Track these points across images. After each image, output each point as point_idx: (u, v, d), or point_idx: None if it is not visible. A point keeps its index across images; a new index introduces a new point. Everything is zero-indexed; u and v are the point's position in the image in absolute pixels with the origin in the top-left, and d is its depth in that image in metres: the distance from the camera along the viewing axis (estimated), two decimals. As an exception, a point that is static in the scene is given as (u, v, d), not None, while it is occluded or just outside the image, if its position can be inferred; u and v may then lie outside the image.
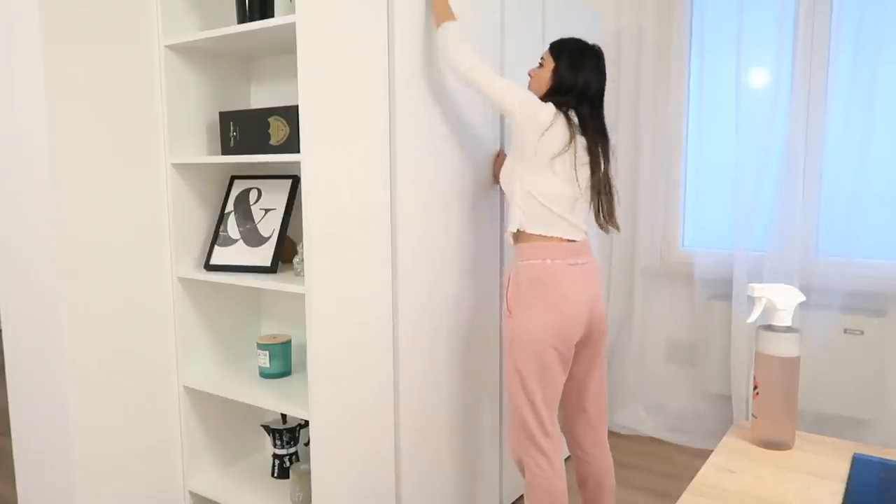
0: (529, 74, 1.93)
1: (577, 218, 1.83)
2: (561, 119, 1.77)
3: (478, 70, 1.77)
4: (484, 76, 1.77)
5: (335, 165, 1.64)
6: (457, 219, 2.04)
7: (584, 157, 1.80)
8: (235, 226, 1.95)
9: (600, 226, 1.88)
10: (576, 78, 1.81)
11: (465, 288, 2.10)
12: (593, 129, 1.82)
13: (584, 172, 1.81)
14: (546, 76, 1.85)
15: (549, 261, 1.78)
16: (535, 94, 1.85)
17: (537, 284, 1.77)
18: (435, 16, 1.84)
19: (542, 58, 1.89)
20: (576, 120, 1.81)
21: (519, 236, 1.84)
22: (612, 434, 3.21)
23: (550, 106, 1.77)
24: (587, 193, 1.83)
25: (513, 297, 1.81)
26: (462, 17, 1.96)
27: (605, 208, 1.86)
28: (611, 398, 3.33)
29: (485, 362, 2.23)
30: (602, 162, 1.83)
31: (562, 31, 2.46)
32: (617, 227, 1.89)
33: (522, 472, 1.86)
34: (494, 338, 2.28)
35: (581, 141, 1.81)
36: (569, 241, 1.81)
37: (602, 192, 1.85)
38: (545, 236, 1.80)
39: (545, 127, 1.74)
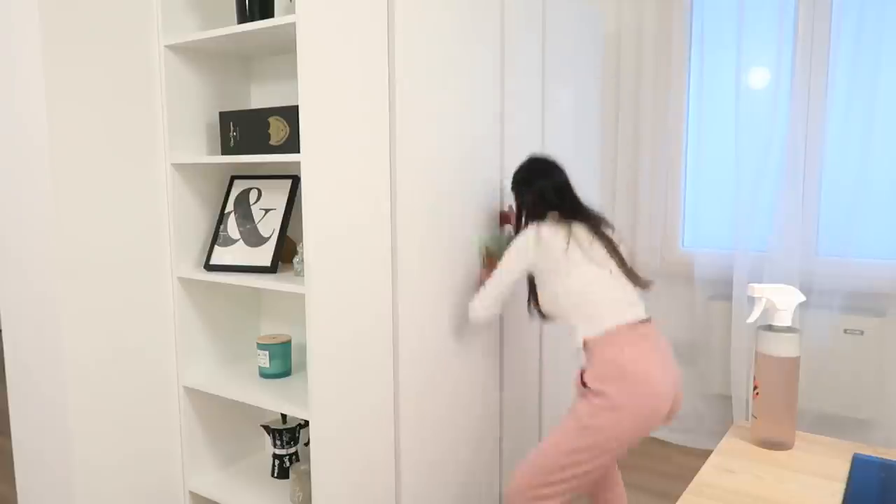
0: (509, 221, 2.16)
1: (627, 293, 1.80)
2: (544, 225, 1.85)
3: (488, 297, 1.90)
4: (495, 286, 1.89)
5: (335, 165, 1.64)
6: (458, 218, 2.04)
7: (587, 237, 1.84)
8: (235, 226, 1.95)
9: (639, 285, 1.86)
10: (534, 193, 1.94)
11: (465, 287, 2.10)
12: (571, 211, 1.90)
13: (598, 249, 1.82)
14: (517, 210, 2.01)
15: (626, 349, 1.69)
16: (515, 230, 2.01)
17: (620, 380, 1.66)
18: None
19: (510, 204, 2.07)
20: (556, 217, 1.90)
21: (588, 341, 1.77)
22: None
23: (530, 229, 1.87)
24: (613, 266, 1.83)
25: (594, 379, 1.70)
26: (462, 17, 1.96)
27: (624, 268, 1.85)
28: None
29: (485, 363, 2.23)
30: (598, 232, 1.87)
31: (562, 31, 2.46)
32: (644, 285, 1.87)
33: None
34: (494, 338, 2.28)
35: (576, 226, 1.85)
36: (635, 322, 1.75)
37: (612, 256, 1.84)
38: (611, 328, 1.73)
39: (541, 239, 1.83)
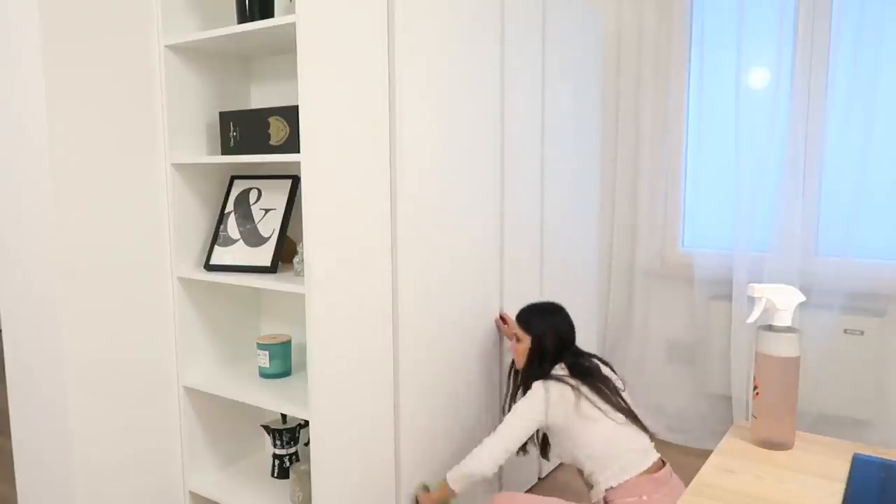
0: (511, 350, 2.06)
1: (640, 440, 1.84)
2: (552, 385, 1.85)
3: (498, 446, 1.83)
4: (506, 441, 1.84)
5: (335, 165, 1.64)
6: (458, 217, 2.04)
7: (593, 396, 1.85)
8: (235, 226, 1.95)
9: (646, 431, 1.90)
10: (554, 340, 1.95)
11: (466, 287, 2.10)
12: (580, 371, 1.91)
13: (606, 402, 1.85)
14: (525, 348, 1.98)
15: (645, 497, 1.76)
16: (519, 365, 2.01)
17: None
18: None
19: (515, 334, 2.02)
20: (565, 371, 1.91)
21: (609, 492, 1.81)
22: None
23: (538, 389, 1.86)
24: (622, 416, 1.85)
25: None
26: (462, 17, 1.96)
27: (631, 416, 1.88)
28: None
29: (485, 362, 2.23)
30: (605, 383, 1.89)
31: (562, 31, 2.46)
32: (651, 433, 1.91)
33: None
34: (495, 337, 2.28)
35: (582, 380, 1.87)
36: (651, 468, 1.80)
37: (620, 406, 1.87)
38: (630, 479, 1.78)
39: (550, 401, 1.83)
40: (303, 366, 2.06)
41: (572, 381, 1.86)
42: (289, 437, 2.04)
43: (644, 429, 1.88)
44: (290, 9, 1.90)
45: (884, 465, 1.08)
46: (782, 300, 1.16)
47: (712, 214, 3.08)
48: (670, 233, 3.15)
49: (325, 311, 1.65)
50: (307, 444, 2.13)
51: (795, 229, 2.79)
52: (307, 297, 1.62)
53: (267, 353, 1.93)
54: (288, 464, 2.05)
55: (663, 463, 1.85)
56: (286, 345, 1.96)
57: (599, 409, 1.83)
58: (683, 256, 3.13)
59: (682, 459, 2.91)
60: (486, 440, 1.86)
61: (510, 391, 2.13)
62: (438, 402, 2.02)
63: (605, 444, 1.81)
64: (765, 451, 1.16)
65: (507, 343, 2.29)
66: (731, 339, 2.96)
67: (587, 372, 1.91)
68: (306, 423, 2.08)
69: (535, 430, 1.86)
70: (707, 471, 1.08)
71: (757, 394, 1.17)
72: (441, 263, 1.99)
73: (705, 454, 2.98)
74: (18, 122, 1.70)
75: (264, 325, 2.22)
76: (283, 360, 1.95)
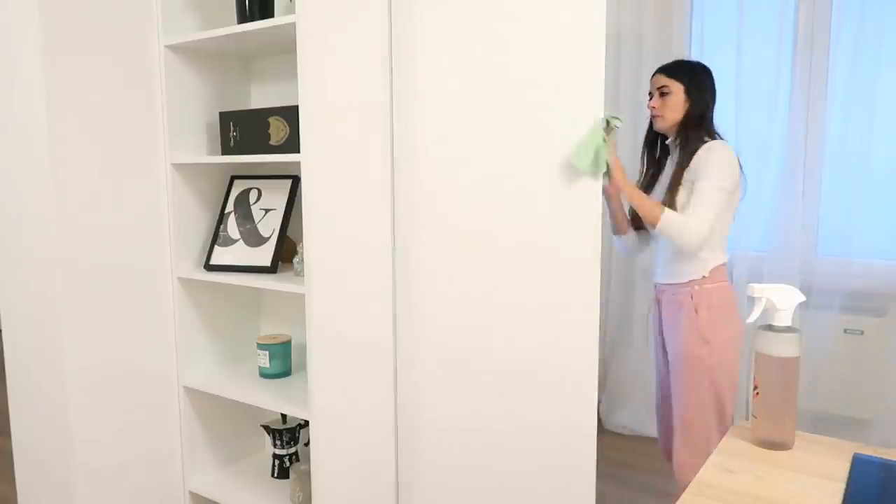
0: (653, 107, 1.98)
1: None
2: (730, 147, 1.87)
3: (712, 218, 1.80)
4: (713, 207, 1.81)
5: (335, 165, 1.64)
6: (459, 217, 2.04)
7: None
8: (235, 226, 1.95)
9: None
10: (711, 95, 1.92)
11: (466, 287, 2.10)
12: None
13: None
14: (678, 101, 1.92)
15: (727, 283, 1.89)
16: (669, 123, 1.94)
17: (728, 306, 1.88)
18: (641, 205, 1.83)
19: (658, 87, 1.97)
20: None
21: (712, 270, 1.91)
22: (612, 434, 3.21)
23: (724, 148, 1.84)
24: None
25: (708, 324, 1.85)
26: (462, 16, 1.96)
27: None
28: (611, 398, 3.33)
29: (488, 362, 2.23)
30: None
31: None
32: None
33: None
34: (495, 337, 2.27)
35: None
36: (726, 264, 1.93)
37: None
38: (724, 263, 1.91)
39: (737, 161, 1.87)
40: (303, 366, 2.06)
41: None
42: (289, 437, 2.04)
43: None
44: (290, 9, 1.90)
45: (884, 465, 1.08)
46: (782, 300, 1.16)
47: (712, 214, 3.08)
48: (670, 233, 3.15)
49: (325, 311, 1.65)
50: (307, 444, 2.13)
51: (795, 229, 2.79)
52: (307, 297, 1.62)
53: (267, 353, 1.93)
54: (288, 464, 2.05)
55: None
56: (286, 345, 1.96)
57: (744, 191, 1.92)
58: (683, 256, 3.13)
59: (682, 459, 2.91)
60: (695, 210, 1.78)
61: (645, 169, 2.07)
62: (439, 401, 2.02)
63: (726, 230, 1.90)
64: (765, 451, 1.16)
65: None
66: (731, 339, 2.96)
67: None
68: (306, 423, 2.08)
69: (725, 196, 1.83)
70: (707, 471, 1.08)
71: (757, 394, 1.17)
72: (442, 262, 1.99)
73: (705, 454, 2.97)
74: (18, 122, 1.70)
75: (264, 325, 2.22)
76: (283, 360, 1.95)
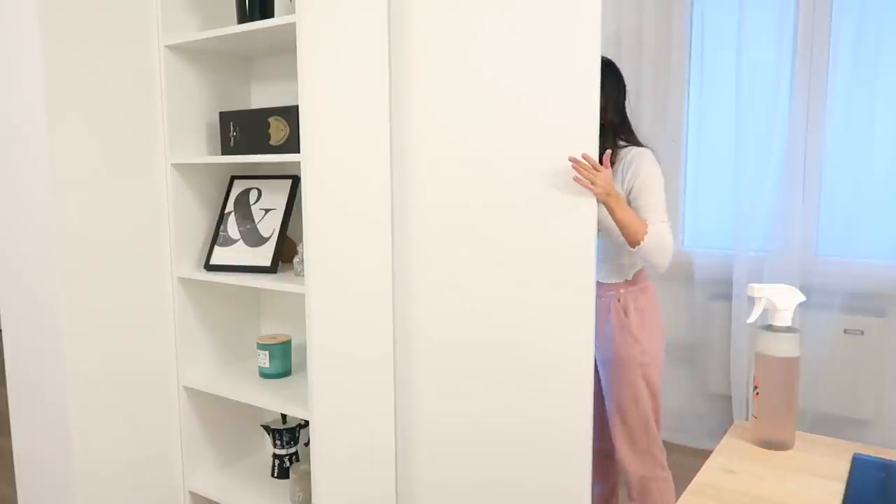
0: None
1: None
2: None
3: (668, 233, 1.78)
4: (662, 212, 1.80)
5: (335, 165, 1.64)
6: (458, 216, 2.04)
7: None
8: (235, 226, 1.95)
9: None
10: (604, 102, 1.86)
11: (466, 286, 2.10)
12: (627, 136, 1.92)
13: None
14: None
15: (651, 283, 1.94)
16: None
17: (652, 304, 1.92)
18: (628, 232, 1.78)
19: None
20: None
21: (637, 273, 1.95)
22: (612, 434, 3.20)
23: (648, 155, 1.83)
24: None
25: (638, 325, 1.90)
26: (462, 16, 1.95)
27: None
28: (611, 398, 3.33)
29: (489, 361, 2.23)
30: None
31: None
32: None
33: (643, 495, 1.94)
34: (495, 337, 2.27)
35: None
36: None
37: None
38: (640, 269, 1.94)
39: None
40: (303, 366, 2.06)
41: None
42: (289, 437, 2.04)
43: None
44: (290, 9, 1.90)
45: (884, 465, 1.08)
46: (782, 300, 1.16)
47: (712, 214, 3.08)
48: (670, 233, 3.15)
49: (325, 311, 1.65)
50: (307, 444, 2.13)
51: (795, 229, 2.79)
52: (307, 297, 1.62)
53: (267, 353, 1.93)
54: (288, 464, 2.05)
55: None
56: (286, 345, 1.96)
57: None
58: (684, 256, 3.13)
59: (682, 459, 2.91)
60: (655, 216, 1.77)
61: None
62: (439, 401, 2.02)
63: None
64: (765, 451, 1.16)
65: None
66: (731, 339, 2.96)
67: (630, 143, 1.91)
68: (306, 423, 2.08)
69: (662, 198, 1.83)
70: (707, 471, 1.08)
71: (757, 394, 1.17)
72: (442, 262, 1.99)
73: (705, 454, 2.97)
74: (18, 122, 1.70)
75: (264, 325, 2.22)
76: (283, 360, 1.95)
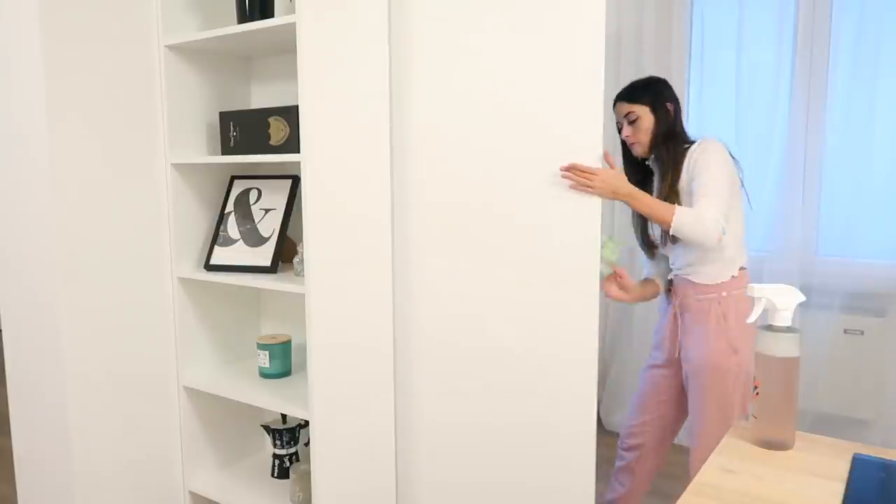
0: (627, 136, 1.93)
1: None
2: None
3: (719, 214, 1.72)
4: (722, 200, 1.75)
5: (335, 165, 1.64)
6: (459, 217, 2.04)
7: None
8: (235, 226, 1.95)
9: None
10: (671, 104, 1.88)
11: (466, 286, 2.10)
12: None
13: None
14: (648, 123, 1.88)
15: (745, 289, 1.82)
16: (646, 147, 1.89)
17: (747, 314, 1.79)
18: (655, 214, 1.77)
19: (625, 116, 1.91)
20: None
21: (727, 282, 1.86)
22: (611, 435, 3.21)
23: (713, 142, 1.81)
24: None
25: (738, 334, 1.80)
26: (462, 16, 1.95)
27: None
28: (610, 399, 3.33)
29: (489, 361, 2.23)
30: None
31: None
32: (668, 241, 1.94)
33: None
34: (495, 337, 2.27)
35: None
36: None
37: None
38: (743, 266, 1.87)
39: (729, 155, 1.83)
40: (303, 366, 2.06)
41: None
42: (289, 437, 2.04)
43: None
44: (290, 9, 1.89)
45: (884, 465, 1.08)
46: (782, 300, 1.16)
47: (712, 214, 3.08)
48: (670, 233, 3.15)
49: (325, 311, 1.65)
50: (307, 444, 2.13)
51: (795, 229, 2.79)
52: (307, 297, 1.62)
53: (267, 353, 1.93)
54: (288, 464, 2.05)
55: None
56: (286, 345, 1.96)
57: (744, 188, 1.87)
58: (683, 256, 3.13)
59: (682, 459, 2.91)
60: (704, 203, 1.70)
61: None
62: (439, 401, 2.02)
63: (742, 227, 1.87)
64: (765, 451, 1.16)
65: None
66: (731, 339, 2.96)
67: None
68: (306, 423, 2.08)
69: (727, 184, 1.76)
70: (707, 471, 1.08)
71: (757, 394, 1.17)
72: (442, 262, 1.99)
73: (705, 454, 2.97)
74: (18, 123, 1.70)
75: (264, 325, 2.22)
76: (283, 360, 1.96)
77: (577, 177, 1.70)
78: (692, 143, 1.87)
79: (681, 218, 1.70)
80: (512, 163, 2.29)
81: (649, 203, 1.73)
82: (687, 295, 1.88)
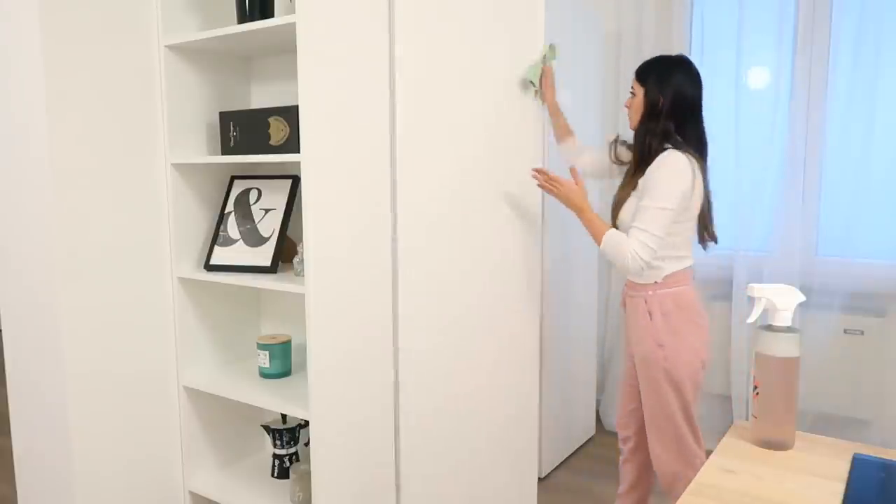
0: (626, 106, 2.00)
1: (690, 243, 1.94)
2: (688, 159, 1.82)
3: (655, 241, 1.78)
4: (660, 228, 1.79)
5: (335, 165, 1.64)
6: (459, 217, 2.04)
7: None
8: (235, 226, 1.95)
9: (702, 242, 1.98)
10: (666, 94, 1.87)
11: (466, 286, 2.10)
12: (696, 143, 1.90)
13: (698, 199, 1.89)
14: (639, 102, 1.92)
15: (686, 287, 1.90)
16: (633, 123, 1.96)
17: (685, 309, 1.88)
18: (590, 228, 1.90)
19: (631, 88, 1.96)
20: (694, 159, 1.86)
21: (667, 277, 1.92)
22: (611, 434, 3.21)
23: (682, 161, 1.80)
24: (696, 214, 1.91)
25: (663, 329, 1.89)
26: (462, 16, 1.96)
27: (709, 223, 1.95)
28: (610, 399, 3.33)
29: (489, 361, 2.23)
30: (705, 177, 1.91)
31: (562, 31, 2.47)
32: (715, 239, 1.98)
33: (669, 492, 1.99)
34: (496, 336, 2.28)
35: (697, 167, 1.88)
36: (691, 267, 1.94)
37: (706, 209, 1.93)
38: (684, 268, 1.92)
39: (695, 180, 1.83)
40: (303, 366, 2.06)
41: (695, 157, 1.85)
42: (289, 437, 2.04)
43: (708, 238, 1.98)
44: (290, 9, 1.89)
45: (884, 465, 1.08)
46: (782, 300, 1.16)
47: (712, 214, 3.08)
48: (670, 233, 3.15)
49: (325, 311, 1.65)
50: (307, 444, 2.13)
51: (795, 229, 2.80)
52: (307, 297, 1.62)
53: (267, 353, 1.93)
54: (288, 464, 2.05)
55: None
56: (286, 345, 1.96)
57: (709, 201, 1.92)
58: (683, 256, 3.13)
59: (682, 459, 2.91)
60: (637, 234, 1.78)
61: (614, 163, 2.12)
62: (439, 401, 2.02)
63: (686, 239, 1.90)
64: (765, 451, 1.16)
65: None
66: (731, 339, 2.96)
67: (699, 142, 1.91)
68: (306, 423, 2.08)
69: (674, 207, 1.77)
70: (707, 471, 1.08)
71: (757, 394, 1.17)
72: (442, 262, 1.99)
73: (705, 454, 2.97)
74: (18, 122, 1.70)
75: (264, 325, 2.22)
76: (283, 360, 1.95)
77: (545, 181, 1.97)
78: (672, 144, 1.88)
79: (607, 243, 1.85)
80: (513, 162, 2.30)
81: (591, 220, 1.89)
82: (626, 291, 2.02)
